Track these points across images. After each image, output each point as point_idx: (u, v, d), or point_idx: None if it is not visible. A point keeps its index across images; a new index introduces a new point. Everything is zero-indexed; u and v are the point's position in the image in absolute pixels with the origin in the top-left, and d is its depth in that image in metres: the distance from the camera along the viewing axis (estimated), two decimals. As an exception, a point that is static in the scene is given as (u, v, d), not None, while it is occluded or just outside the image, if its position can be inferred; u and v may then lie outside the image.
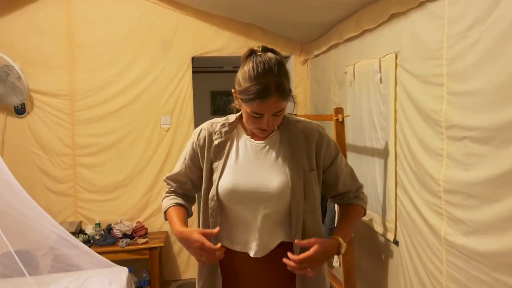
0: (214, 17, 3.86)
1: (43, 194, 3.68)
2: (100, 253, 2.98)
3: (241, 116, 1.43)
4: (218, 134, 1.41)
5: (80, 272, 2.83)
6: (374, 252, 2.62)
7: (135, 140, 3.85)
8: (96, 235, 3.63)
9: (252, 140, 1.40)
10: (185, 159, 1.50)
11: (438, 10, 1.82)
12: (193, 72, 3.94)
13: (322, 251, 1.28)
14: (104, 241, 3.56)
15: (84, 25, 3.74)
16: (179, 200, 1.53)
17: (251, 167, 1.37)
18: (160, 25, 3.83)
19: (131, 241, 3.60)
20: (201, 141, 1.44)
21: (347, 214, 1.48)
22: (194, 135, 1.48)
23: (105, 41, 3.77)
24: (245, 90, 1.25)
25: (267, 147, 1.39)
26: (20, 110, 3.68)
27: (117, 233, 3.61)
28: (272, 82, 1.22)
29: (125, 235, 3.62)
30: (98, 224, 3.72)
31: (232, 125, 1.43)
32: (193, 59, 3.90)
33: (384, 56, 2.35)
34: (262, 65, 1.24)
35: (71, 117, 3.76)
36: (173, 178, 1.54)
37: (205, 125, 1.46)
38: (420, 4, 1.95)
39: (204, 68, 5.41)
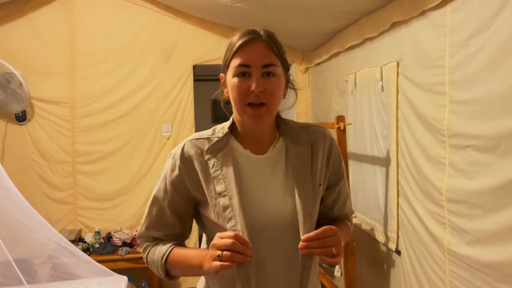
0: (215, 26, 3.87)
1: (42, 201, 3.66)
2: (99, 261, 2.96)
3: (233, 125, 1.17)
4: (210, 153, 1.11)
5: (79, 281, 2.80)
6: (376, 262, 2.60)
7: (136, 148, 3.84)
8: (95, 244, 3.60)
9: (252, 155, 1.13)
10: (166, 192, 1.14)
11: (439, 19, 1.82)
12: (194, 80, 3.94)
13: (332, 228, 1.00)
14: (103, 249, 3.53)
15: (85, 33, 3.75)
16: (176, 242, 1.17)
17: (260, 191, 1.10)
18: (162, 33, 3.84)
19: (131, 249, 3.57)
20: (188, 164, 1.11)
21: (336, 222, 1.20)
22: (173, 159, 1.14)
23: (106, 48, 3.78)
24: (229, 46, 1.09)
25: (272, 161, 1.13)
26: (21, 117, 3.67)
27: (116, 242, 3.59)
28: (259, 31, 1.09)
29: (124, 244, 3.60)
30: (98, 232, 3.70)
31: (225, 139, 1.13)
32: (194, 67, 3.91)
33: (386, 64, 2.34)
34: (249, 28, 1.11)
35: (72, 125, 3.75)
36: (154, 225, 1.17)
37: (188, 144, 1.14)
38: (422, 13, 1.95)
39: (205, 76, 5.43)
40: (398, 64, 2.22)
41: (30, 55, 3.66)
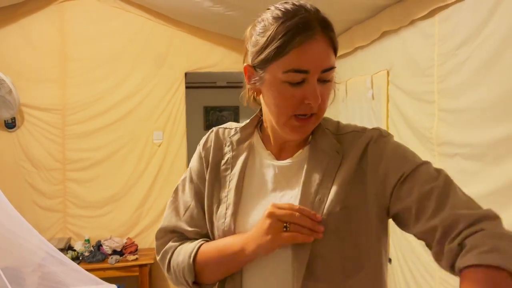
0: (208, 33, 3.88)
1: (31, 209, 3.62)
2: (89, 270, 2.92)
3: (258, 119, 0.94)
4: (229, 146, 0.92)
5: (67, 290, 2.77)
6: (367, 270, 2.60)
7: (127, 155, 3.82)
8: (85, 252, 3.56)
9: (273, 159, 0.89)
10: (192, 181, 0.95)
11: (428, 29, 1.84)
12: (186, 87, 3.94)
13: None
14: (93, 257, 3.49)
15: (77, 40, 3.74)
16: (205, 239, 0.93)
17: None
18: (154, 41, 3.84)
19: (121, 257, 3.53)
20: (209, 152, 0.94)
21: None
22: (200, 145, 0.97)
23: (98, 55, 3.77)
24: (271, 37, 0.78)
25: (292, 171, 0.87)
26: (10, 124, 3.64)
27: (106, 250, 3.55)
28: (312, 15, 0.79)
29: (114, 252, 3.56)
30: (88, 241, 3.66)
31: (246, 131, 0.93)
32: (186, 74, 3.91)
33: (376, 73, 2.37)
34: (291, 4, 0.81)
35: (62, 132, 3.72)
36: (173, 228, 0.94)
37: (215, 129, 0.97)
38: (411, 23, 1.98)
39: (197, 84, 5.44)
40: (388, 72, 2.24)
41: (21, 61, 3.64)
